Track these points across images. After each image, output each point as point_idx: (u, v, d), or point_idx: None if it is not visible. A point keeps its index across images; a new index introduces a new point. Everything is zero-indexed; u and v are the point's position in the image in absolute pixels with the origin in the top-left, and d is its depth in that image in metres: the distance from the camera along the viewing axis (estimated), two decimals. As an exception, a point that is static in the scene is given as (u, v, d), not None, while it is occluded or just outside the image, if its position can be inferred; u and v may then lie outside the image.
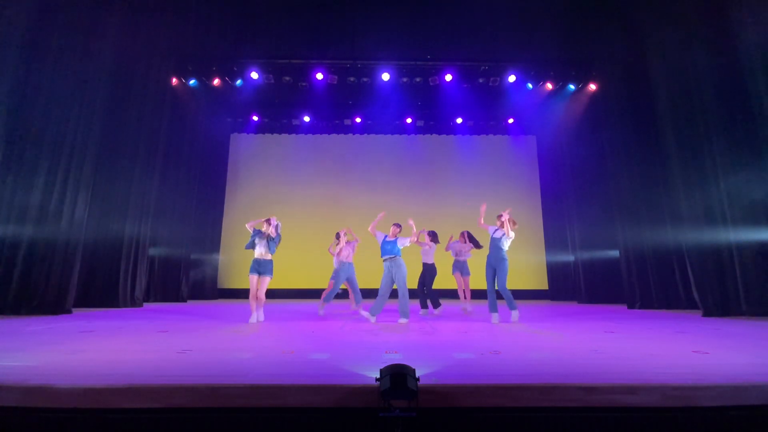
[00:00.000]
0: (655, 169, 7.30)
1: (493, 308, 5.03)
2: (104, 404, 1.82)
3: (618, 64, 7.98)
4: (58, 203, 5.95)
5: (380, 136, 11.78)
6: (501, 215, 5.19)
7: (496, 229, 5.30)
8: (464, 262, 6.74)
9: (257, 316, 5.08)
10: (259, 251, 5.15)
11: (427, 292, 6.34)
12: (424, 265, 6.38)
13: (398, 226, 5.36)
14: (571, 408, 1.85)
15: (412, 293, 5.58)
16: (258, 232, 5.23)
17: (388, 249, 5.10)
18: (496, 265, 5.13)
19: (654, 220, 7.34)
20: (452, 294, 7.22)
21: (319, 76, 8.92)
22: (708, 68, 6.11)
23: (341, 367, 2.31)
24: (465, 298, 6.67)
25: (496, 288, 5.13)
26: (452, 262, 6.83)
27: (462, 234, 6.82)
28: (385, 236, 5.26)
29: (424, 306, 6.40)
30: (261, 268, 5.13)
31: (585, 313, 6.49)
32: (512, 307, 5.04)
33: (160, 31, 7.71)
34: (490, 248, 5.28)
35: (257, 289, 5.08)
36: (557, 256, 10.65)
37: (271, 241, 5.20)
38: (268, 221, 5.25)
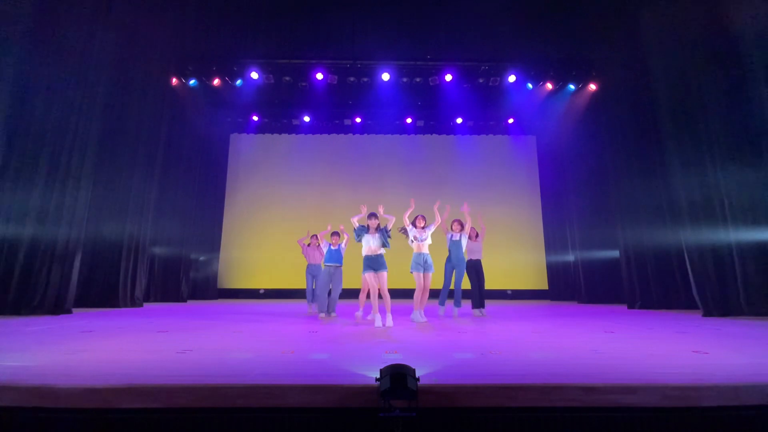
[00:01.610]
0: (655, 168, 7.30)
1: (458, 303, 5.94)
2: (104, 404, 1.82)
3: (618, 64, 7.98)
4: (58, 203, 5.95)
5: (380, 136, 11.78)
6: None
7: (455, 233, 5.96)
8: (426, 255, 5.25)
9: (384, 319, 4.54)
10: (370, 247, 4.74)
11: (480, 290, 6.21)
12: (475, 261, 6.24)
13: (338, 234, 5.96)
14: (571, 408, 1.85)
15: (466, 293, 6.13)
16: (363, 228, 4.87)
17: (336, 257, 5.76)
18: (457, 264, 5.91)
19: (654, 220, 7.34)
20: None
21: (319, 76, 8.92)
22: (708, 67, 6.11)
23: (341, 367, 2.31)
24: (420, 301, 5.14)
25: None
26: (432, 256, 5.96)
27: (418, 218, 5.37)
28: (330, 245, 5.88)
29: (478, 305, 6.07)
30: (375, 264, 4.72)
31: (585, 313, 6.48)
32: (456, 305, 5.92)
33: (160, 30, 7.71)
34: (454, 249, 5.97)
35: (377, 288, 4.67)
36: (557, 256, 10.66)
37: (384, 234, 4.82)
38: (372, 215, 4.89)
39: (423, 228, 5.26)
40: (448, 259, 5.98)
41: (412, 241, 5.22)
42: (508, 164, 11.78)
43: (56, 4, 6.21)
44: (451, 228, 5.98)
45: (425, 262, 5.15)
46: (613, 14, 7.78)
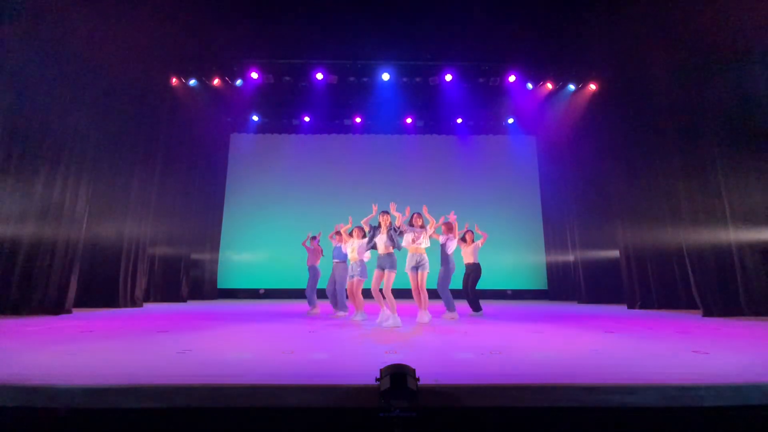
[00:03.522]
0: (655, 168, 7.29)
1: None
2: (104, 404, 1.82)
3: (618, 64, 7.98)
4: (58, 203, 5.94)
5: (380, 136, 11.78)
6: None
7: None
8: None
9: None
10: (381, 246, 4.76)
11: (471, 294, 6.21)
12: (473, 265, 6.24)
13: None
14: (571, 408, 1.85)
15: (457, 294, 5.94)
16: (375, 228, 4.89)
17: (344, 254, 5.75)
18: None
19: (654, 220, 7.33)
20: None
21: (319, 76, 8.92)
22: (708, 66, 6.11)
23: (341, 367, 2.31)
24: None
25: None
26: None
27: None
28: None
29: (476, 309, 6.12)
30: (380, 261, 4.70)
31: (585, 313, 6.48)
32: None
33: (160, 30, 7.70)
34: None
35: (377, 287, 4.71)
36: (557, 255, 10.65)
37: (395, 234, 4.74)
38: (384, 213, 4.86)
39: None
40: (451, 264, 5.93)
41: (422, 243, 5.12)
42: (508, 164, 11.78)
43: (56, 3, 6.20)
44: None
45: None
46: (613, 14, 7.77)
